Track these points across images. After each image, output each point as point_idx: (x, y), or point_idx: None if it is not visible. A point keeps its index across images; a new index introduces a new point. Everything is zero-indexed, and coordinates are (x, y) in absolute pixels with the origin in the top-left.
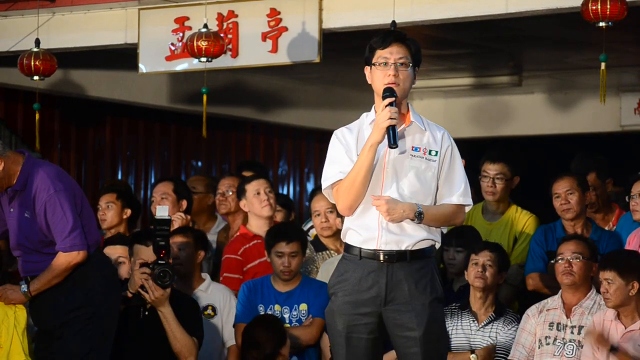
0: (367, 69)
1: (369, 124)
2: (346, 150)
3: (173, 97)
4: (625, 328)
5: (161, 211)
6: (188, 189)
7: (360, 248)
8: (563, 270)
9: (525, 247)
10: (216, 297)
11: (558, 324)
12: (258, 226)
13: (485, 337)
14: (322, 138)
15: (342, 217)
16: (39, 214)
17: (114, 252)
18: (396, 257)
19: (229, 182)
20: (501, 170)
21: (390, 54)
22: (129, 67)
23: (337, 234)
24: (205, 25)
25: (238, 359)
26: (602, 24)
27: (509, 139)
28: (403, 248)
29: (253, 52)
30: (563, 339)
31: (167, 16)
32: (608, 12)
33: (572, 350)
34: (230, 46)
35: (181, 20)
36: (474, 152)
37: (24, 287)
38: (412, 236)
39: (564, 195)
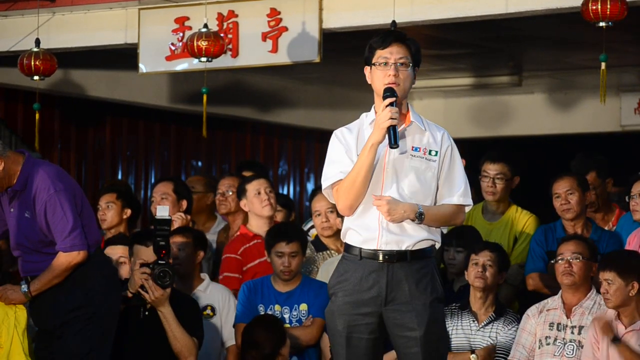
0: (366, 69)
1: (369, 124)
2: (346, 150)
3: (173, 97)
4: (626, 328)
5: (162, 211)
6: (188, 189)
7: (361, 248)
8: (563, 270)
9: (525, 247)
10: (215, 297)
11: (558, 324)
12: (258, 226)
13: (485, 337)
14: (322, 138)
15: (342, 217)
16: (39, 213)
17: (116, 252)
18: (396, 257)
19: (229, 182)
20: (501, 170)
21: (390, 54)
22: (129, 67)
23: (337, 233)
24: (206, 25)
25: (237, 359)
26: (602, 24)
27: (509, 139)
28: (403, 248)
29: (253, 52)
30: (563, 339)
31: (167, 16)
32: (608, 12)
33: (573, 350)
34: (230, 46)
35: (181, 20)
36: (474, 152)
37: (24, 287)
38: (413, 236)
39: (564, 195)
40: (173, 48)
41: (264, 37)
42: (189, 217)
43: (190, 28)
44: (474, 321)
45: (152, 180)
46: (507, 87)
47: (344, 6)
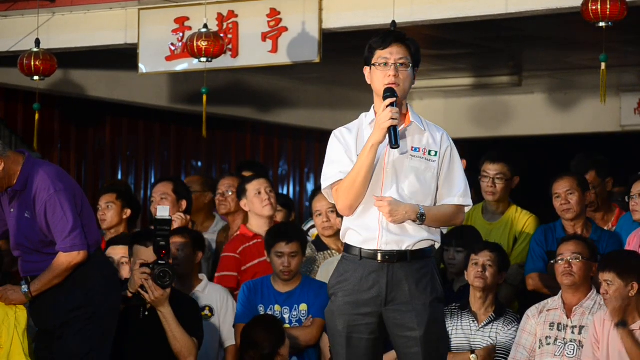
0: (366, 69)
1: (369, 124)
2: (346, 150)
3: (173, 97)
4: None
5: (162, 211)
6: (188, 189)
7: (361, 248)
8: (563, 270)
9: (525, 247)
10: (213, 297)
11: (559, 324)
12: (258, 226)
13: (485, 337)
14: (322, 138)
15: (342, 217)
16: (39, 214)
17: (118, 252)
18: (396, 257)
19: (229, 182)
20: (501, 170)
21: (390, 54)
22: (129, 67)
23: (338, 233)
24: (205, 25)
25: (236, 359)
26: (602, 24)
27: (509, 139)
28: (403, 248)
29: (253, 52)
30: (564, 339)
31: (167, 16)
32: (608, 12)
33: (573, 350)
34: (230, 46)
35: (181, 20)
36: (474, 152)
37: (24, 288)
38: (413, 236)
39: (564, 195)
40: (173, 48)
41: (264, 37)
42: (188, 217)
43: (190, 28)
44: (474, 321)
45: (152, 180)
46: (507, 87)
47: (344, 6)
